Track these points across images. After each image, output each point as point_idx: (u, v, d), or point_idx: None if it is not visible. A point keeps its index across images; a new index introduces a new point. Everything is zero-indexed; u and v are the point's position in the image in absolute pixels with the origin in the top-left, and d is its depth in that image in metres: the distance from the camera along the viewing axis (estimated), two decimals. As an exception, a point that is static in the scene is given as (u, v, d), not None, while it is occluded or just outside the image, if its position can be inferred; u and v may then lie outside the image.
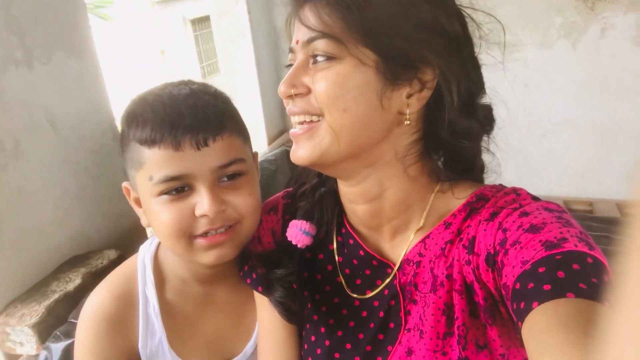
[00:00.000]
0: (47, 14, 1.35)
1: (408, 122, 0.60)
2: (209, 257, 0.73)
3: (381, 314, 0.67)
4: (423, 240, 0.64)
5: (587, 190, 2.26)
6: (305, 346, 0.75)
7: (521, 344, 0.57)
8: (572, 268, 0.45)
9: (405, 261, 0.65)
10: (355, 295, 0.70)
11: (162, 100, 0.70)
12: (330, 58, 0.57)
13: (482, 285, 0.57)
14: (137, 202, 0.77)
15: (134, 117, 0.71)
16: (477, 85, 0.64)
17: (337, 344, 0.70)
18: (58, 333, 1.05)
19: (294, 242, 0.71)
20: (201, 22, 10.60)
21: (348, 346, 0.70)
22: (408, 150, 0.62)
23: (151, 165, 0.69)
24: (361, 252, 0.69)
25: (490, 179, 0.69)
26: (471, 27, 0.64)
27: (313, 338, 0.73)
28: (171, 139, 0.67)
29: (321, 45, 0.58)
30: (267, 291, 0.75)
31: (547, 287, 0.44)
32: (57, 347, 1.01)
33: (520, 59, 2.16)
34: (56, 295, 1.20)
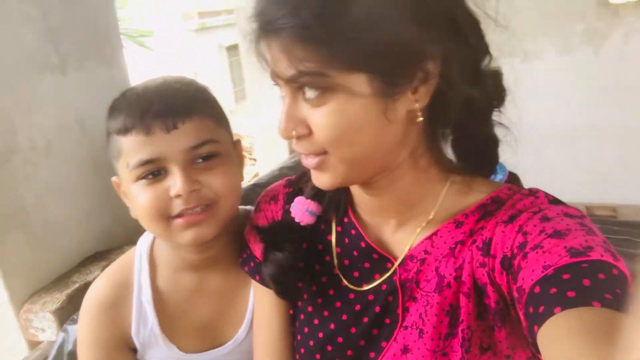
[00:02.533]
0: (82, 25, 1.46)
1: (420, 118, 0.56)
2: (186, 237, 0.74)
3: (377, 309, 0.66)
4: (430, 237, 0.63)
5: (610, 195, 2.19)
6: (299, 337, 0.74)
7: (527, 345, 0.58)
8: (598, 277, 0.45)
9: (409, 257, 0.64)
10: (351, 287, 0.69)
11: (135, 92, 0.75)
12: (318, 93, 0.53)
13: (495, 288, 0.56)
14: (126, 195, 0.80)
15: (112, 110, 0.76)
16: (479, 50, 0.59)
17: (329, 336, 0.70)
18: (75, 317, 1.10)
19: (297, 219, 0.71)
20: (236, 49, 11.01)
21: (340, 339, 0.69)
22: (418, 142, 0.61)
23: (127, 152, 0.73)
24: (362, 244, 0.68)
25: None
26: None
27: (306, 329, 0.73)
28: (141, 125, 0.70)
29: (306, 81, 0.53)
30: (262, 273, 0.75)
31: (571, 294, 0.44)
32: (74, 329, 1.06)
33: (540, 65, 2.15)
34: (77, 285, 1.26)
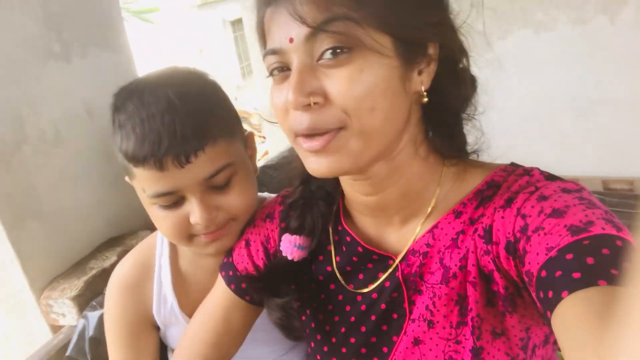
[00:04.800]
0: (83, 11, 1.44)
1: (426, 99, 0.57)
2: (209, 249, 0.78)
3: (383, 306, 0.66)
4: (431, 230, 0.62)
5: (627, 169, 2.14)
6: (312, 344, 0.75)
7: (544, 324, 0.58)
8: (602, 253, 0.43)
9: (411, 252, 0.64)
10: (357, 291, 0.70)
11: (141, 119, 0.68)
12: (345, 51, 0.50)
13: (502, 274, 0.55)
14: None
15: (118, 126, 0.71)
16: (461, 50, 0.61)
17: (342, 339, 0.71)
18: (94, 303, 1.13)
19: (289, 257, 0.71)
20: (240, 23, 10.83)
21: (352, 340, 0.70)
22: (417, 129, 0.61)
23: (141, 180, 0.72)
24: (360, 249, 0.68)
25: (484, 157, 0.67)
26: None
27: (319, 337, 0.74)
28: (154, 161, 0.67)
29: (332, 37, 0.50)
30: (258, 304, 0.77)
31: (576, 275, 0.42)
32: (94, 315, 1.10)
33: (553, 37, 2.08)
34: (94, 272, 1.29)
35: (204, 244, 0.77)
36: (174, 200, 0.72)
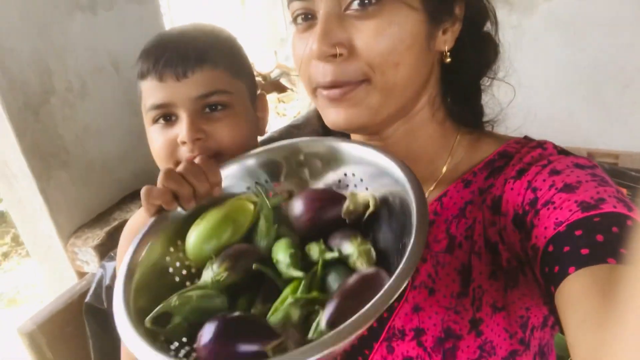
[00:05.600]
0: (110, -40, 1.43)
1: (449, 59, 0.57)
2: None
3: None
4: (439, 199, 0.61)
5: (676, 146, 1.97)
6: None
7: (543, 303, 0.56)
8: (612, 231, 0.42)
9: None
10: None
11: (157, 39, 0.78)
12: (373, 2, 0.50)
13: (507, 247, 0.55)
14: None
15: (139, 57, 0.79)
16: (485, 12, 0.59)
17: None
18: (112, 254, 1.17)
19: None
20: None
21: None
22: (436, 90, 0.60)
23: (144, 95, 0.77)
24: None
25: (499, 128, 0.65)
26: None
27: None
28: (154, 72, 0.74)
29: None
30: None
31: (584, 251, 0.41)
32: (111, 265, 1.14)
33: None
34: (116, 223, 1.34)
35: None
36: (167, 114, 0.76)
